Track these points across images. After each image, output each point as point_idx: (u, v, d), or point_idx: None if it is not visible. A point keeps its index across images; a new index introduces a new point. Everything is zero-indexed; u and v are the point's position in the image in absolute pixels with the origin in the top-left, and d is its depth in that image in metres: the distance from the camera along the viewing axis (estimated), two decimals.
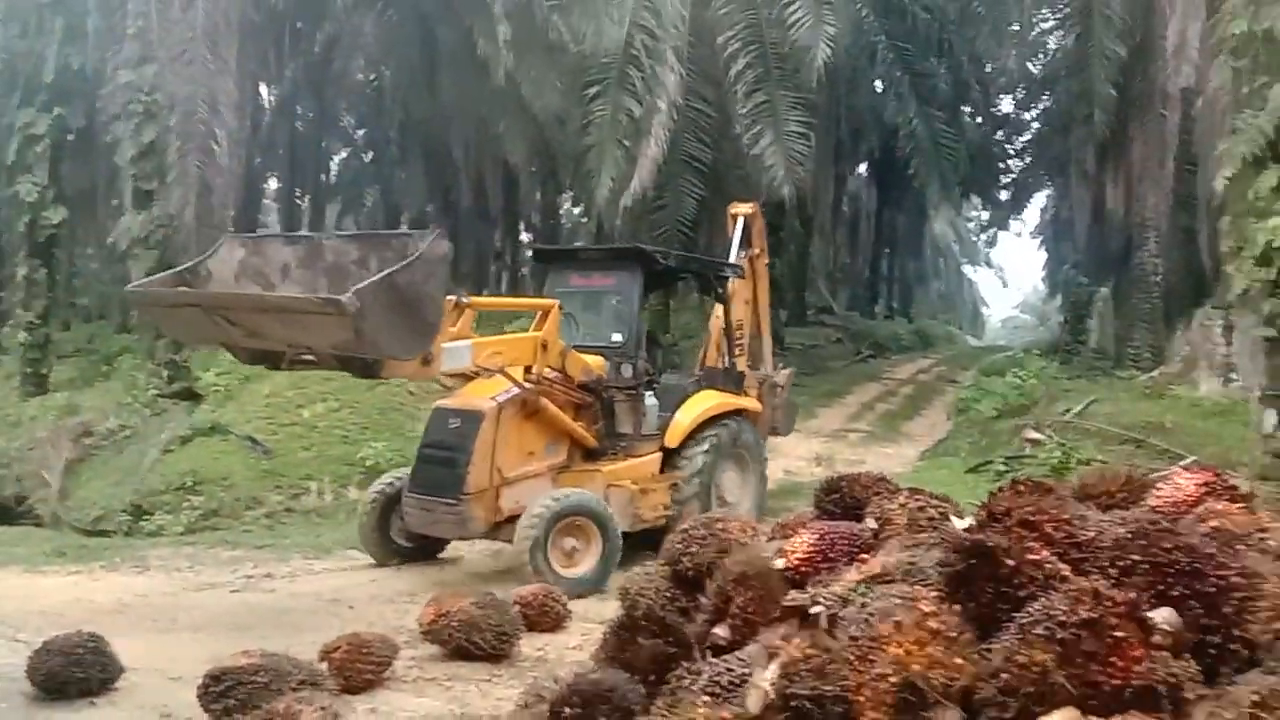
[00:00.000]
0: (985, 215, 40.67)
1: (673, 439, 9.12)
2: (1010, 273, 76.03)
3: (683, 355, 13.50)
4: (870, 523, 3.39)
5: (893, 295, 42.05)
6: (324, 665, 5.15)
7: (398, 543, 8.67)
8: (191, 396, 15.02)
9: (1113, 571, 2.54)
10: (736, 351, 10.43)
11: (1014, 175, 31.46)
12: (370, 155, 32.57)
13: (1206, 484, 3.35)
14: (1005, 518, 2.81)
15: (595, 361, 8.73)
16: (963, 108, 28.15)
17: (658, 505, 8.81)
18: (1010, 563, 2.50)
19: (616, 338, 9.12)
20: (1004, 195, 32.93)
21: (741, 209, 11.43)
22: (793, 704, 2.47)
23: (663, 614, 3.49)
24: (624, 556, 7.88)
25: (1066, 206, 27.22)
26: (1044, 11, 24.21)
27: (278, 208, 32.18)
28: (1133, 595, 2.33)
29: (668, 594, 3.84)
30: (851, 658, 2.41)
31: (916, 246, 43.42)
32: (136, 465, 12.63)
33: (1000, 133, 30.75)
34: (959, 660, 2.35)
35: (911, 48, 24.13)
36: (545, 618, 6.63)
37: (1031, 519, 2.77)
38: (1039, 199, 33.77)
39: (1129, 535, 2.61)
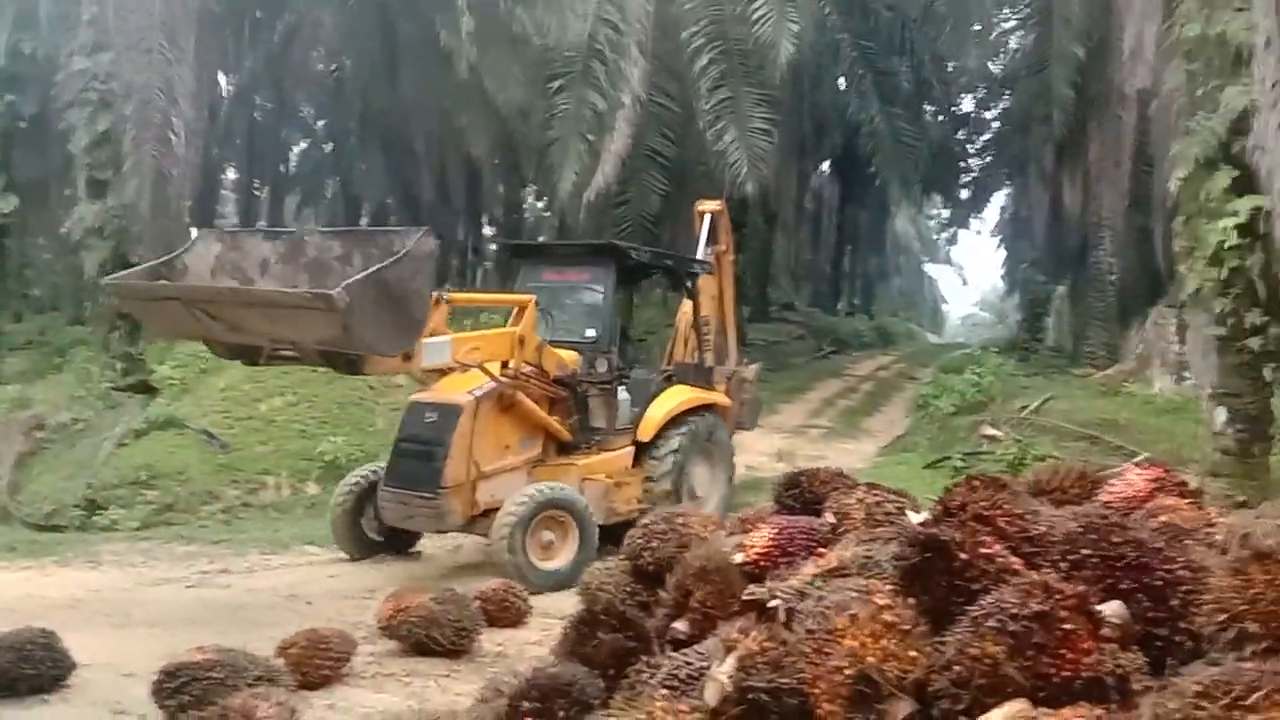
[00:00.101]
0: (946, 213, 41.09)
1: (645, 433, 9.24)
2: (970, 271, 76.85)
3: (649, 351, 13.53)
4: (829, 517, 3.43)
5: (854, 292, 42.37)
6: (281, 661, 5.11)
7: (370, 537, 8.67)
8: (146, 390, 14.77)
9: (1064, 565, 2.58)
10: (704, 347, 10.52)
11: (974, 174, 31.75)
12: (330, 147, 32.19)
13: (1157, 480, 3.42)
14: (960, 512, 2.85)
15: (570, 356, 8.82)
16: (924, 106, 28.38)
17: (631, 499, 8.93)
18: (964, 556, 2.53)
19: (590, 333, 9.22)
20: (964, 194, 33.24)
21: (708, 206, 11.56)
22: (749, 697, 2.49)
23: (623, 609, 3.50)
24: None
25: (1025, 205, 27.55)
26: (1005, 11, 24.49)
27: (235, 198, 31.74)
28: (1082, 589, 2.37)
29: (628, 589, 3.86)
30: (807, 650, 2.43)
31: (878, 244, 43.73)
32: (90, 459, 12.42)
33: (961, 132, 31.02)
34: (913, 652, 2.38)
35: (874, 46, 24.32)
36: (506, 613, 6.63)
37: (985, 514, 2.81)
38: (999, 198, 34.15)
39: (1080, 530, 2.65)
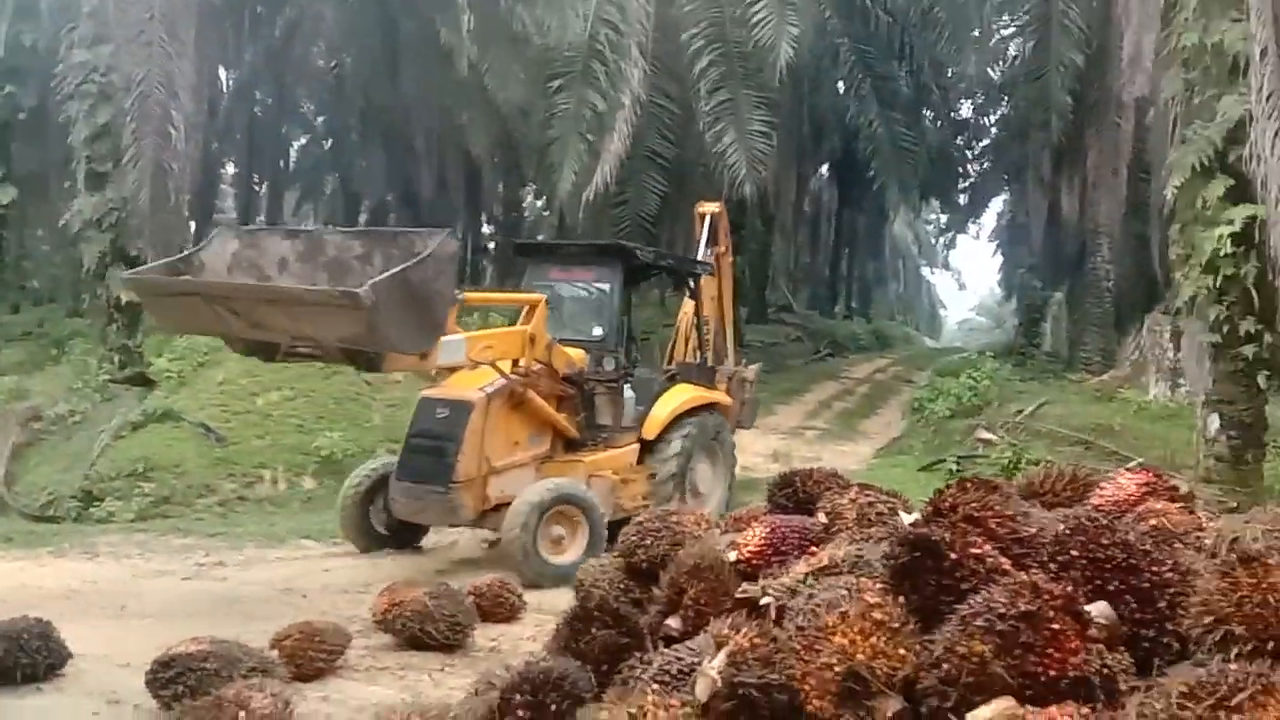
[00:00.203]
0: (944, 218, 41.13)
1: (650, 431, 9.35)
2: (967, 276, 76.99)
3: (649, 350, 13.59)
4: (821, 517, 3.46)
5: (852, 295, 42.37)
6: (275, 653, 5.12)
7: (377, 530, 8.75)
8: (144, 382, 14.76)
9: (1052, 566, 2.62)
10: (705, 347, 10.67)
11: (972, 179, 31.82)
12: (330, 143, 32.16)
13: (1147, 484, 3.45)
14: (951, 513, 2.88)
15: (577, 355, 8.97)
16: (923, 111, 28.43)
17: (637, 495, 9.03)
18: (953, 556, 2.57)
19: (597, 331, 9.37)
20: (962, 199, 33.31)
21: (709, 207, 11.70)
22: (740, 692, 2.51)
23: (616, 605, 3.53)
24: None
25: (1023, 211, 27.61)
26: (1004, 18, 24.50)
27: (235, 193, 31.70)
28: (1070, 589, 2.40)
29: (622, 585, 3.89)
30: (798, 647, 2.47)
31: (876, 247, 43.78)
32: (87, 451, 12.41)
33: (960, 137, 31.07)
34: (902, 650, 2.42)
35: (873, 50, 24.35)
36: (500, 608, 6.65)
37: (976, 515, 2.84)
38: (997, 203, 34.24)
39: (1069, 531, 2.69)
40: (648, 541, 3.86)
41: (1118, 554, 2.59)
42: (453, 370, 8.28)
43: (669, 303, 17.88)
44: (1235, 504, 8.74)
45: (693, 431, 9.52)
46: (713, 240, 11.43)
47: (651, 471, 9.23)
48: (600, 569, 4.11)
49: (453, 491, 8.03)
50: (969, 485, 3.05)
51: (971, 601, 2.40)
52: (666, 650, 3.05)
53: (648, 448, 9.35)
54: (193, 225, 23.06)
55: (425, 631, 5.86)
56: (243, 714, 3.84)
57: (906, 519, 3.17)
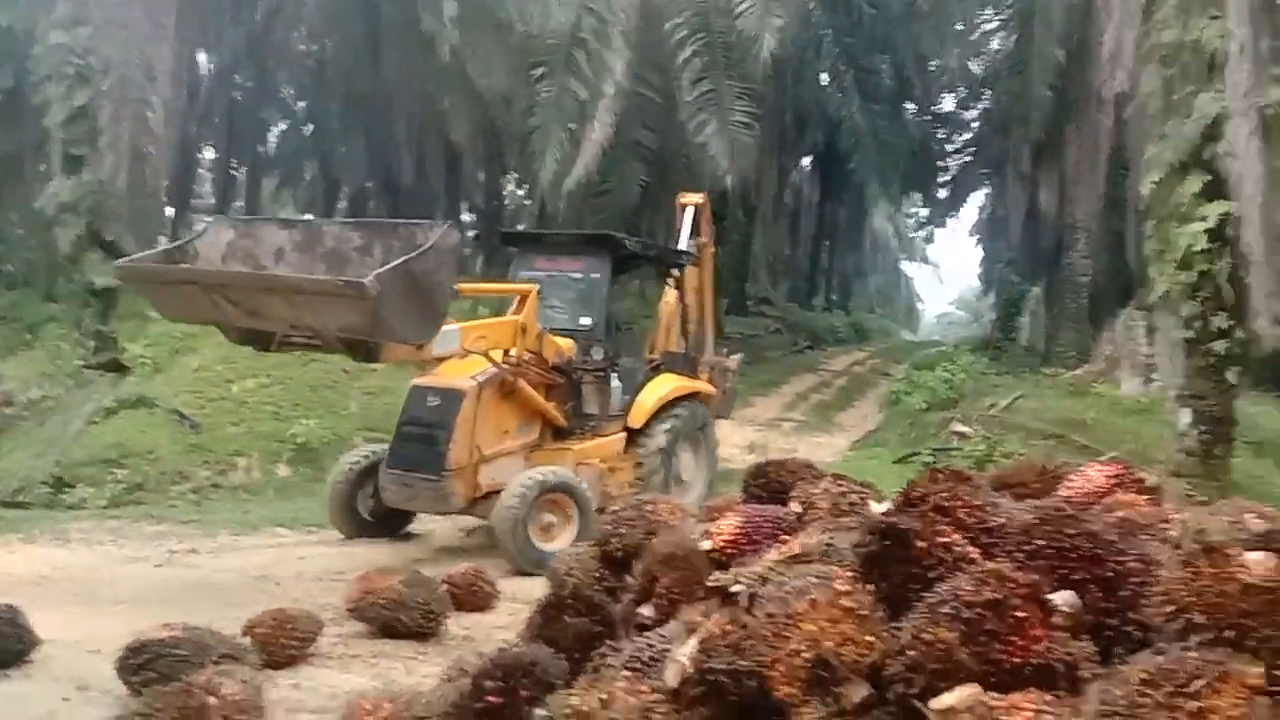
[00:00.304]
0: (924, 212, 41.20)
1: (636, 420, 9.41)
2: (946, 269, 77.33)
3: (633, 339, 13.60)
4: (795, 507, 3.47)
5: (831, 288, 42.45)
6: (247, 640, 5.10)
7: (364, 517, 8.78)
8: (118, 368, 14.64)
9: (1019, 555, 2.64)
10: (688, 337, 10.74)
11: (953, 173, 31.94)
12: (310, 128, 31.92)
13: (1116, 476, 3.49)
14: (921, 503, 2.90)
15: (566, 344, 9.04)
16: (905, 104, 28.52)
17: (624, 483, 9.09)
18: (922, 545, 2.59)
19: (585, 321, 9.42)
20: (942, 193, 33.37)
21: (691, 198, 11.74)
22: (709, 678, 2.53)
23: (590, 593, 3.55)
24: None
25: (1003, 206, 27.71)
26: (987, 12, 24.61)
27: (213, 178, 31.44)
28: (1035, 578, 2.43)
29: (596, 574, 3.90)
30: (767, 634, 2.48)
31: (856, 240, 43.90)
32: (59, 436, 12.30)
33: (940, 131, 31.15)
34: (870, 637, 2.43)
35: (856, 42, 24.42)
36: (473, 597, 6.66)
37: (946, 505, 2.86)
38: (976, 197, 34.31)
39: (1035, 521, 2.71)
40: (623, 530, 3.87)
41: (1083, 544, 2.61)
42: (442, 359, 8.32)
43: (649, 293, 17.85)
44: (1204, 497, 8.85)
45: (678, 420, 9.59)
46: (695, 231, 11.46)
47: (638, 460, 9.29)
48: (575, 557, 4.12)
49: (444, 479, 8.07)
50: (940, 476, 3.07)
51: (938, 589, 2.43)
52: (639, 638, 3.06)
53: (633, 436, 9.41)
54: (170, 210, 22.88)
55: (398, 620, 5.86)
56: (212, 700, 3.83)
57: (878, 509, 3.19)
